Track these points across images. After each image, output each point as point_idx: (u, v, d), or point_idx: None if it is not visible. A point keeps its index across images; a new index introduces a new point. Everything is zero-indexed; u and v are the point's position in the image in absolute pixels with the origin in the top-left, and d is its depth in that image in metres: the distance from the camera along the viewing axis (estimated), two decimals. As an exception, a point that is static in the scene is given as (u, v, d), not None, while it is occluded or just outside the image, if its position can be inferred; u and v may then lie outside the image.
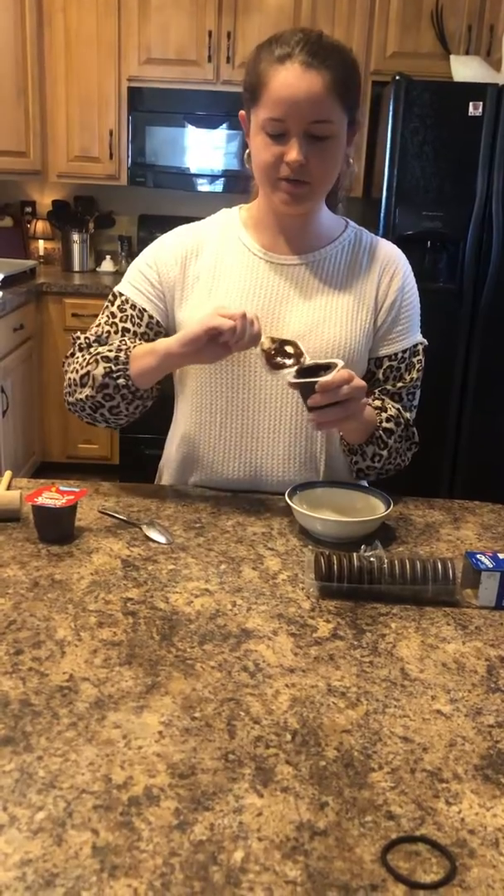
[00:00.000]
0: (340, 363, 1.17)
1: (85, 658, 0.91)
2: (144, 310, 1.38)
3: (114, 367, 1.29)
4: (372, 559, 1.07)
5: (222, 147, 3.79)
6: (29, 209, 4.21)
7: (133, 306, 1.38)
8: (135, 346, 1.30)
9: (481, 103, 3.17)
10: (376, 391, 1.39)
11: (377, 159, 3.50)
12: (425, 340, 1.43)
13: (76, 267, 4.08)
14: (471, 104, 3.18)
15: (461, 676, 0.92)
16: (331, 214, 1.40)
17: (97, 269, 4.15)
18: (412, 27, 3.59)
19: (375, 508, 1.26)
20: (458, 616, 1.04)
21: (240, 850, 0.66)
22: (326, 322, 1.33)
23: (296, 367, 1.18)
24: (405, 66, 3.47)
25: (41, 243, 4.25)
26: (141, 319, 1.37)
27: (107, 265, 4.11)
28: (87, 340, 1.37)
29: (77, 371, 1.32)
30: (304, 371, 1.18)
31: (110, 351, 1.30)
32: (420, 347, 1.42)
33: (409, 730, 0.82)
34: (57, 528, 1.18)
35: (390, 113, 3.22)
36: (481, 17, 3.57)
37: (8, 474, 1.33)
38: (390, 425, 1.33)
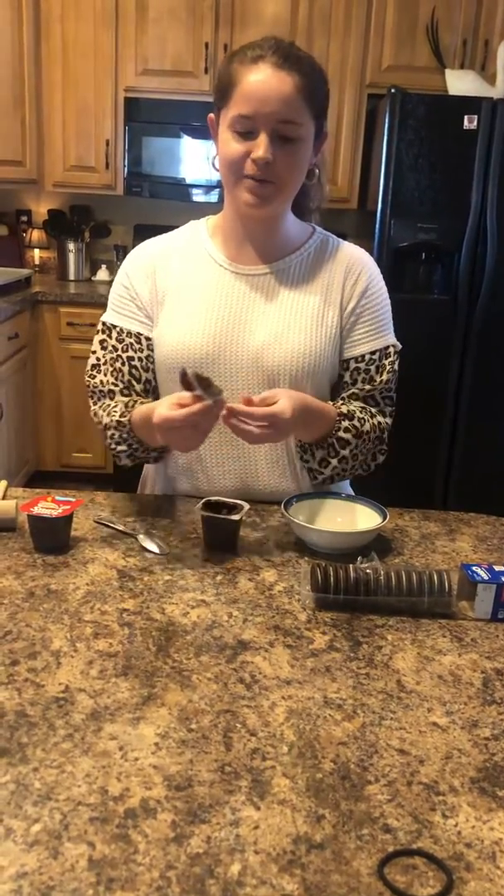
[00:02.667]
0: (246, 507, 1.22)
1: (81, 669, 0.91)
2: (140, 333, 1.39)
3: (129, 448, 1.36)
4: (368, 571, 1.07)
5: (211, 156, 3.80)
6: (25, 218, 4.22)
7: (129, 334, 1.39)
8: (130, 416, 1.31)
9: (476, 117, 3.20)
10: (345, 395, 1.39)
11: (372, 172, 3.52)
12: (398, 344, 1.42)
13: (72, 276, 4.08)
14: (466, 118, 3.20)
15: (457, 689, 0.92)
16: (297, 222, 1.41)
17: (93, 278, 4.16)
18: (407, 41, 3.62)
19: (371, 520, 1.26)
20: (454, 628, 1.05)
21: (236, 863, 0.66)
22: (291, 329, 1.33)
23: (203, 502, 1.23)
24: (400, 80, 3.50)
25: (37, 252, 4.26)
26: (140, 343, 1.39)
27: (102, 274, 4.12)
28: (108, 391, 1.39)
29: (103, 428, 1.38)
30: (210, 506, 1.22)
31: (112, 431, 1.35)
32: (392, 350, 1.40)
33: (406, 742, 0.82)
34: (53, 538, 1.18)
35: (386, 126, 3.24)
36: (476, 31, 3.61)
37: (3, 484, 1.33)
38: (347, 435, 1.33)
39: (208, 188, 3.85)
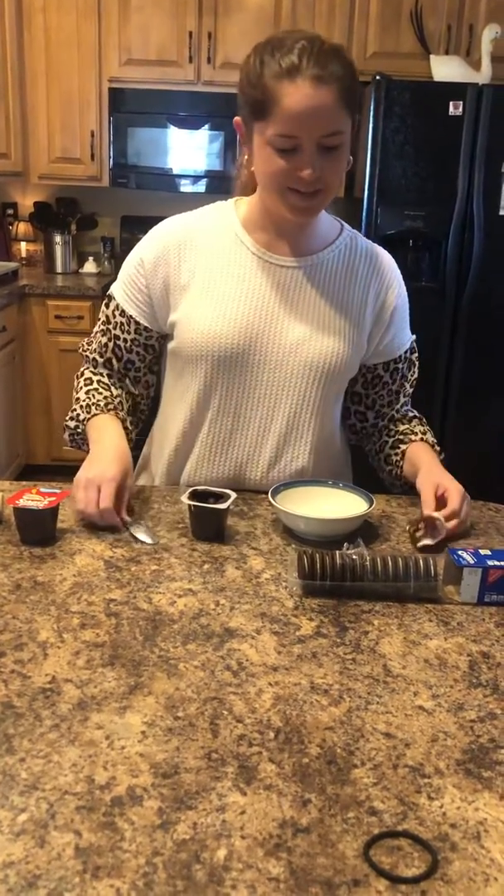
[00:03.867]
0: (233, 496, 1.23)
1: (67, 660, 0.91)
2: (132, 317, 1.39)
3: (75, 436, 1.44)
4: (354, 557, 1.08)
5: (204, 148, 3.79)
6: (10, 211, 4.20)
7: (122, 313, 1.40)
8: (95, 416, 1.38)
9: (461, 103, 3.19)
10: (381, 392, 1.47)
11: (359, 159, 3.51)
12: (413, 335, 1.49)
13: (59, 269, 4.06)
14: (451, 104, 3.19)
15: (443, 672, 0.92)
16: (326, 216, 1.39)
17: (80, 270, 4.14)
18: (392, 27, 3.61)
19: (358, 506, 1.26)
20: (440, 612, 1.05)
21: (223, 849, 0.66)
22: (328, 328, 1.34)
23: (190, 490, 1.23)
24: (385, 67, 3.48)
25: (23, 245, 4.24)
26: (129, 326, 1.39)
27: (89, 266, 4.10)
28: (92, 358, 1.45)
29: (74, 402, 1.44)
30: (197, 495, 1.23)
31: (76, 411, 1.41)
32: (414, 344, 1.49)
33: (392, 726, 0.82)
34: (39, 530, 1.18)
35: (371, 113, 3.23)
36: (460, 16, 3.59)
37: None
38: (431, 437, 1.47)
39: (196, 178, 3.84)
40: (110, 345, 1.41)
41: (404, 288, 1.45)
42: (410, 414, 1.54)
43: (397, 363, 1.46)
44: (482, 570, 1.06)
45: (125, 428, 1.38)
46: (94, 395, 1.40)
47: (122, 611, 1.01)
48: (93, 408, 1.38)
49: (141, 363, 1.43)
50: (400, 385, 1.49)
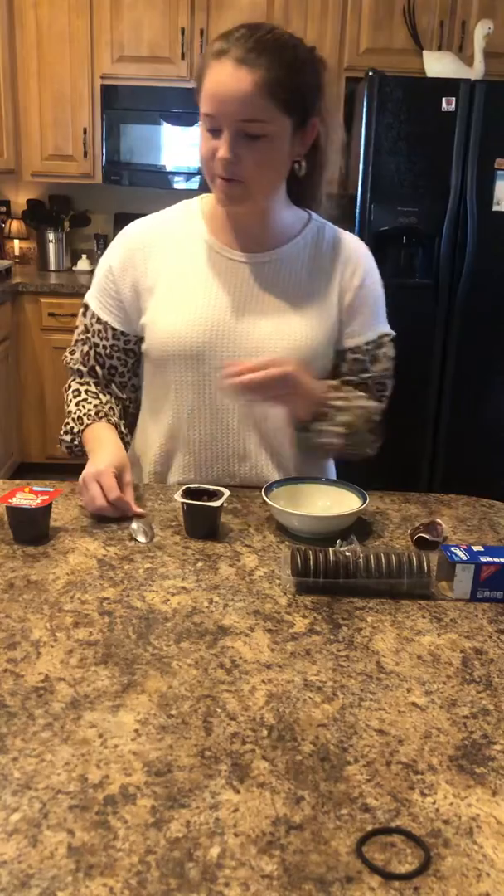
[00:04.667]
0: (226, 493, 1.22)
1: (61, 658, 0.91)
2: (108, 323, 1.40)
3: (73, 449, 1.42)
4: (348, 554, 1.08)
5: (197, 144, 3.78)
6: (3, 209, 4.18)
7: (98, 320, 1.41)
8: (88, 427, 1.38)
9: (454, 99, 3.19)
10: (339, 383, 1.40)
11: (352, 156, 3.50)
12: (392, 332, 1.43)
13: (52, 266, 4.05)
14: (444, 100, 3.19)
15: (436, 668, 0.92)
16: (293, 212, 1.38)
17: (73, 268, 4.13)
18: (384, 23, 3.60)
19: (351, 503, 1.26)
20: (434, 609, 1.05)
21: (216, 846, 0.66)
22: (292, 321, 1.33)
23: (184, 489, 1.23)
24: (378, 63, 3.48)
25: (16, 243, 4.22)
26: (106, 332, 1.40)
27: (83, 264, 4.09)
28: (76, 369, 1.45)
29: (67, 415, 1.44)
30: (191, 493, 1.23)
31: (70, 424, 1.41)
32: (386, 339, 1.42)
33: (385, 722, 0.82)
34: (32, 529, 1.18)
35: (364, 109, 3.23)
36: (453, 12, 3.59)
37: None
38: (340, 402, 1.32)
39: (189, 175, 3.83)
40: (91, 353, 1.42)
41: (375, 279, 1.41)
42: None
43: (355, 353, 1.39)
44: (475, 566, 1.06)
45: (119, 433, 1.39)
46: (83, 406, 1.40)
47: (116, 609, 1.01)
48: (85, 419, 1.38)
49: (124, 368, 1.43)
50: (359, 377, 1.40)
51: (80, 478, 1.26)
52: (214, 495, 1.22)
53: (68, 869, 0.64)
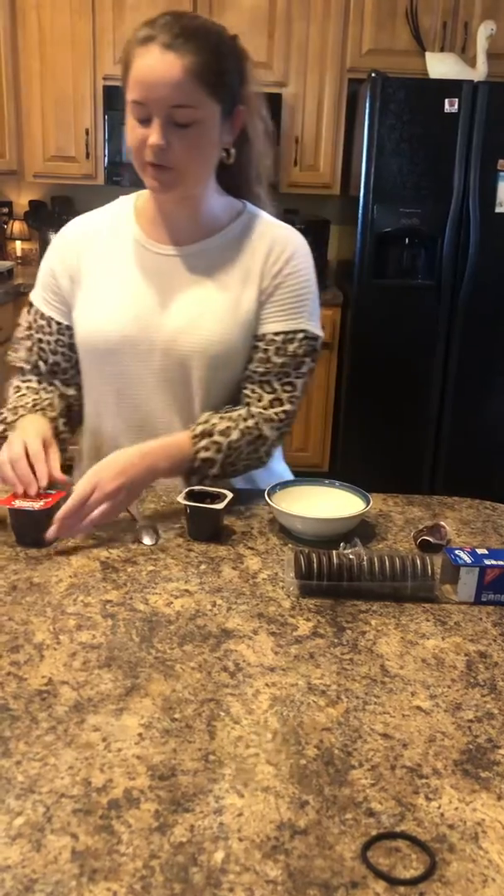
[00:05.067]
0: (229, 496, 1.21)
1: (64, 661, 0.91)
2: (52, 318, 1.40)
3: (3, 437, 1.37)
4: (351, 556, 1.07)
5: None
6: (5, 210, 4.18)
7: (42, 315, 1.41)
8: (21, 417, 1.37)
9: (457, 100, 3.19)
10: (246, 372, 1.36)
11: (354, 157, 3.51)
12: (316, 332, 1.35)
13: (54, 267, 4.05)
14: (446, 101, 3.20)
15: (441, 672, 0.92)
16: (224, 202, 1.37)
17: (75, 269, 4.13)
18: (387, 24, 3.60)
19: (355, 506, 1.26)
20: (438, 612, 1.05)
21: (220, 851, 0.66)
22: (205, 315, 1.31)
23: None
24: (381, 64, 3.48)
25: (18, 244, 4.22)
26: (50, 328, 1.40)
27: (85, 265, 4.09)
28: (19, 367, 1.46)
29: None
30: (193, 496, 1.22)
31: (3, 414, 1.41)
32: (301, 336, 1.33)
33: (389, 726, 0.82)
34: (35, 531, 1.17)
35: (366, 110, 3.23)
36: (456, 13, 3.59)
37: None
38: (209, 454, 1.29)
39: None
40: (35, 349, 1.42)
41: (301, 270, 1.34)
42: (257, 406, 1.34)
43: (261, 340, 1.32)
44: (479, 569, 1.06)
45: (56, 428, 1.38)
46: (22, 399, 1.41)
47: (119, 612, 1.01)
48: (20, 409, 1.39)
49: (67, 364, 1.42)
50: (257, 368, 1.33)
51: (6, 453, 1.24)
52: (218, 497, 1.22)
53: (72, 873, 0.63)
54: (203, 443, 1.29)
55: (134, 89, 1.18)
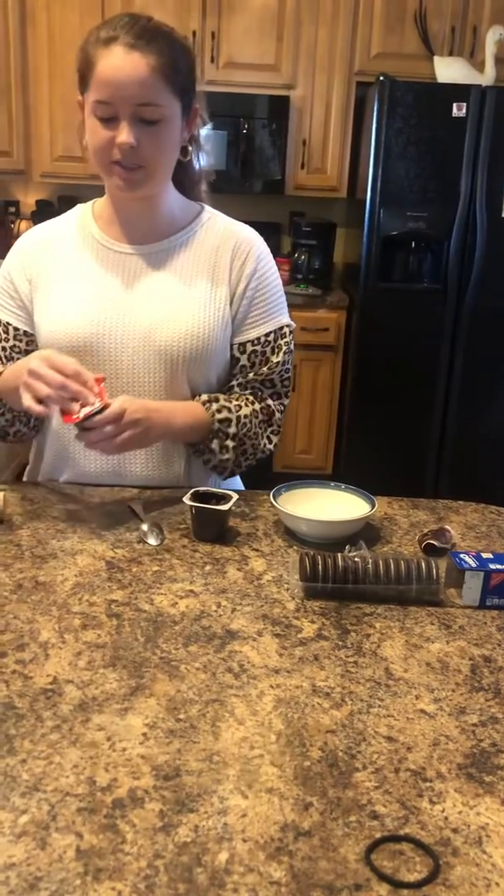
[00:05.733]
0: (234, 497, 1.22)
1: (69, 660, 0.91)
2: (9, 323, 1.40)
3: None
4: (356, 559, 1.08)
5: (206, 147, 3.78)
6: (13, 209, 4.19)
7: None
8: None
9: (465, 104, 3.19)
10: (241, 380, 1.39)
11: (361, 160, 3.51)
12: (292, 323, 1.43)
13: (60, 267, 4.05)
14: (454, 105, 3.20)
15: (445, 676, 0.92)
16: (183, 202, 1.40)
17: (82, 269, 4.13)
18: (396, 28, 3.60)
19: (360, 508, 1.26)
20: (442, 615, 1.05)
21: (224, 852, 0.66)
22: (180, 310, 1.33)
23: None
24: (389, 67, 3.49)
25: (25, 243, 4.23)
26: (7, 334, 1.40)
27: (91, 265, 4.10)
28: None
29: None
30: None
31: None
32: (287, 330, 1.41)
33: (394, 729, 0.82)
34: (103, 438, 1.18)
35: (374, 114, 3.23)
36: (464, 18, 3.59)
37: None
38: (224, 414, 1.33)
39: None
40: None
41: (269, 268, 1.40)
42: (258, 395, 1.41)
43: (255, 345, 1.38)
44: (484, 573, 1.06)
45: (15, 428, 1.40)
46: None
47: (124, 612, 1.01)
48: None
49: None
50: (259, 370, 1.39)
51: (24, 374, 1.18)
52: (223, 499, 1.22)
53: (77, 872, 0.64)
54: (215, 406, 1.34)
55: (100, 89, 1.20)
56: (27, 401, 1.16)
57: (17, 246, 1.42)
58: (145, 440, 1.26)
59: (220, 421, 1.33)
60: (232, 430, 1.34)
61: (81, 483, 1.40)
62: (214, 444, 1.34)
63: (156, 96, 1.20)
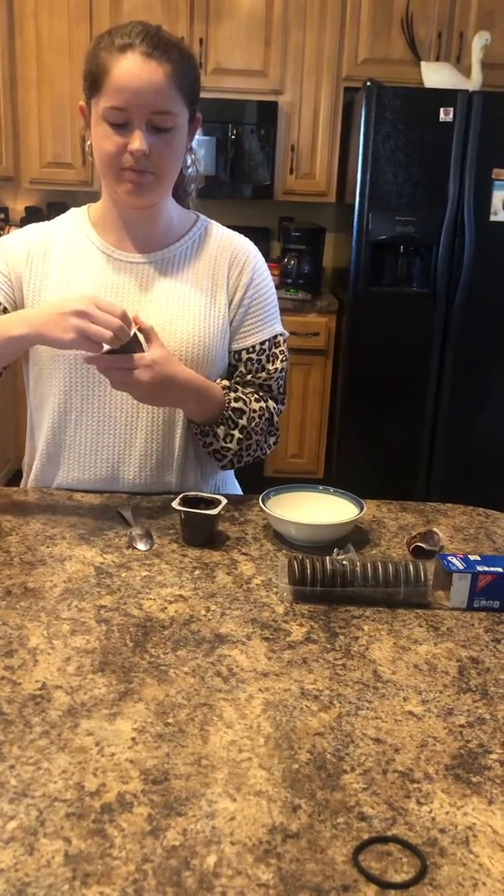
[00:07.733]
0: (223, 501, 1.22)
1: (58, 666, 0.91)
2: None
3: None
4: (345, 562, 1.08)
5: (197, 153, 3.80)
6: (2, 216, 4.19)
7: None
8: None
9: (452, 109, 3.21)
10: (237, 382, 1.41)
11: (350, 165, 3.53)
12: (286, 332, 1.45)
13: (50, 273, 4.05)
14: (441, 110, 3.22)
15: (433, 677, 0.92)
16: (180, 210, 1.41)
17: (71, 275, 4.13)
18: (383, 34, 3.62)
19: (348, 512, 1.27)
20: (430, 618, 1.05)
21: (212, 855, 0.66)
22: (180, 319, 1.34)
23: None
24: (376, 73, 3.50)
25: (15, 249, 4.23)
26: None
27: (81, 271, 4.10)
28: None
29: None
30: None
31: None
32: (281, 339, 1.43)
33: (381, 731, 0.83)
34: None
35: (362, 119, 3.25)
36: (451, 24, 3.61)
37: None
38: (239, 405, 1.35)
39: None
40: None
41: (265, 277, 1.42)
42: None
43: (251, 353, 1.40)
44: (472, 575, 1.07)
45: None
46: None
47: (113, 617, 1.01)
48: None
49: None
50: (257, 376, 1.41)
51: (64, 311, 1.13)
52: (212, 503, 1.22)
53: (65, 877, 0.64)
54: (233, 395, 1.36)
55: (114, 96, 1.20)
56: (70, 338, 1.11)
57: (19, 237, 1.38)
58: (152, 396, 1.23)
59: (234, 410, 1.34)
60: (243, 421, 1.35)
61: (74, 489, 1.40)
62: (220, 431, 1.35)
63: (170, 104, 1.22)
